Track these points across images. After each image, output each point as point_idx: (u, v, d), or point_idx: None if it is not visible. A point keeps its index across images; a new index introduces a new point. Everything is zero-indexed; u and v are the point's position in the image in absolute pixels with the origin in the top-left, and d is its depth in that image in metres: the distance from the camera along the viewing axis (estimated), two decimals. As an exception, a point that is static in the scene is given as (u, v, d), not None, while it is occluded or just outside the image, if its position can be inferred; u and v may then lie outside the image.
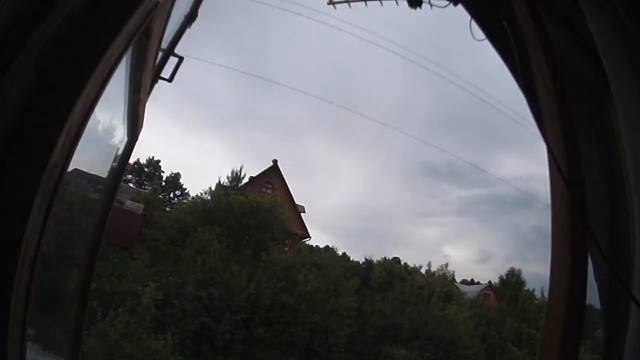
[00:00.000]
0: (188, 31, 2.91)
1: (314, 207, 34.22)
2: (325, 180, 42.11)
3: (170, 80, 2.89)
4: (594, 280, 1.98)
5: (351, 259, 22.51)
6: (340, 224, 36.00)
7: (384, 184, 38.80)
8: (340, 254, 22.59)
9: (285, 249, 20.22)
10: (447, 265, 24.22)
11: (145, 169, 33.64)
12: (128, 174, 28.96)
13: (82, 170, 2.21)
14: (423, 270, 23.53)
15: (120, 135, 2.64)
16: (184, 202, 23.15)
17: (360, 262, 22.11)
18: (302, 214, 25.79)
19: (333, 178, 40.82)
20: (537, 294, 22.32)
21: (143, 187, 28.14)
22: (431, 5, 2.77)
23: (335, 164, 40.00)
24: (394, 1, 2.94)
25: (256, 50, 36.06)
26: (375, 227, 38.05)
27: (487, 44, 2.49)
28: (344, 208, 38.02)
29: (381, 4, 3.16)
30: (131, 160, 3.48)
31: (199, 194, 20.75)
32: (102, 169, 2.68)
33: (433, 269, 23.64)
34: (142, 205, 19.06)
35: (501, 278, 26.37)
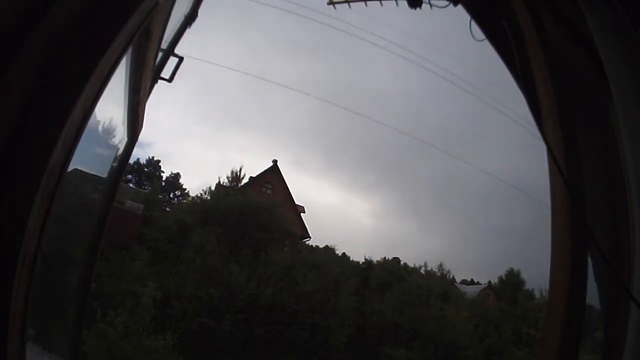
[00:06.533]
0: (188, 31, 2.91)
1: (315, 207, 34.20)
2: (325, 180, 42.15)
3: (170, 80, 2.89)
4: (594, 280, 1.98)
5: (351, 259, 22.50)
6: (341, 224, 35.99)
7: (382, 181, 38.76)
8: (340, 254, 22.59)
9: (285, 249, 20.22)
10: (446, 265, 24.24)
11: (145, 169, 33.64)
12: (128, 174, 28.92)
13: (82, 170, 2.21)
14: (423, 271, 23.53)
15: (120, 135, 2.64)
16: (184, 202, 23.13)
17: (360, 262, 22.09)
18: (302, 214, 25.80)
19: (332, 177, 40.83)
20: (537, 294, 22.33)
21: (143, 187, 28.11)
22: (431, 5, 2.77)
23: (334, 164, 40.01)
24: (394, 1, 2.94)
25: (259, 50, 36.06)
26: (374, 226, 38.05)
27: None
28: (344, 208, 38.00)
29: (381, 4, 3.16)
30: (131, 160, 3.48)
31: (199, 194, 20.77)
32: (102, 169, 2.68)
33: (433, 268, 23.66)
34: (142, 206, 19.04)
35: (501, 278, 26.36)
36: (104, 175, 2.74)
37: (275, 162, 25.90)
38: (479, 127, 34.53)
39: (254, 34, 35.78)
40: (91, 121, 1.47)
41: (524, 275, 24.96)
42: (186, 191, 28.87)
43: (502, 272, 26.32)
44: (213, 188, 20.80)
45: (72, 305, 2.59)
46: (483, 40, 2.50)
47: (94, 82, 1.30)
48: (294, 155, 40.86)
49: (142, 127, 2.78)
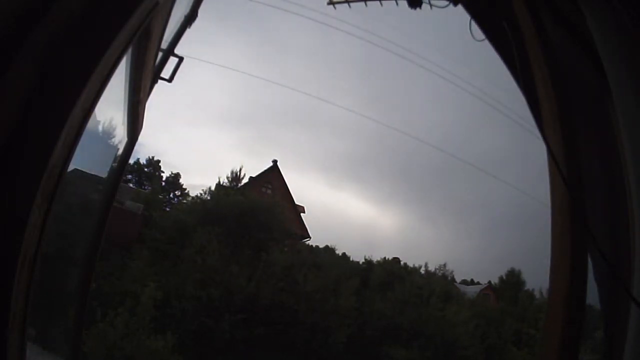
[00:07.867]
0: (188, 31, 2.91)
1: (315, 207, 34.19)
2: (325, 178, 42.16)
3: (170, 80, 2.89)
4: (594, 280, 1.98)
5: (351, 259, 22.48)
6: (341, 224, 35.98)
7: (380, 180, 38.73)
8: (340, 254, 22.57)
9: (285, 249, 20.22)
10: (446, 265, 24.23)
11: (145, 169, 33.60)
12: (128, 174, 28.86)
13: (82, 170, 2.21)
14: (423, 271, 23.52)
15: (120, 135, 2.64)
16: (184, 202, 23.13)
17: (360, 262, 22.09)
18: (302, 214, 25.79)
19: (332, 175, 40.84)
20: (537, 294, 22.32)
21: (143, 187, 28.09)
22: (431, 5, 2.78)
23: (334, 162, 39.99)
24: (394, 1, 2.94)
25: (259, 50, 36.04)
26: (373, 226, 38.03)
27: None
28: (344, 207, 37.99)
29: (381, 4, 3.16)
30: (131, 160, 3.48)
31: (199, 194, 20.78)
32: (102, 169, 2.68)
33: (433, 269, 23.65)
34: (142, 206, 19.03)
35: (501, 278, 26.34)
36: (104, 175, 2.74)
37: (275, 162, 25.92)
38: (477, 127, 34.54)
39: (254, 33, 35.78)
40: (91, 121, 1.47)
41: (525, 275, 24.97)
42: (186, 191, 28.82)
43: (502, 272, 26.33)
44: (213, 188, 20.83)
45: (72, 305, 2.59)
46: (483, 40, 2.50)
47: (94, 82, 1.30)
48: (295, 155, 40.84)
49: (142, 127, 2.78)
